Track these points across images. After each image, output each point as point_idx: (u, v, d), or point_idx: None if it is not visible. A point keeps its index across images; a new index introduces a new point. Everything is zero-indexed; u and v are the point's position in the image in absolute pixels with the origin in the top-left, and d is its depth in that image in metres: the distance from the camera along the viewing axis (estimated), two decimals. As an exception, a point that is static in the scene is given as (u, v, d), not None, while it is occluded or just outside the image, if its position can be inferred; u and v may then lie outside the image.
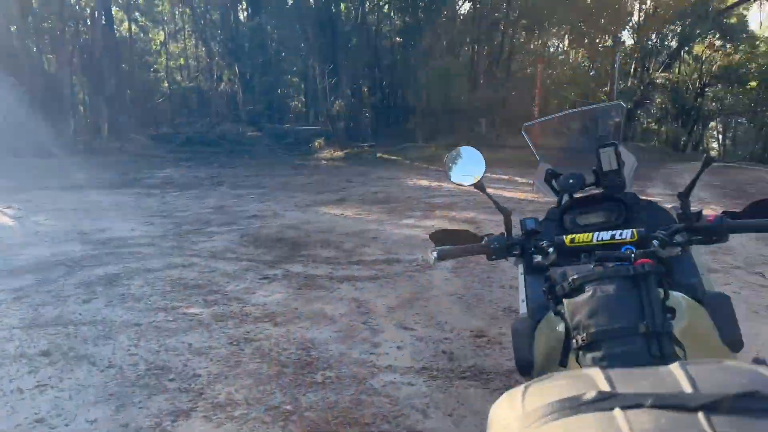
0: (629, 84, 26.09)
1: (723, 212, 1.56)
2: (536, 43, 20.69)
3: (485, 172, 1.80)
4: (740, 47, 32.28)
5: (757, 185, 10.31)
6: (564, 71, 19.29)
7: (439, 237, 1.88)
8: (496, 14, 18.71)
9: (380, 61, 17.89)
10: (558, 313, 1.39)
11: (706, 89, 33.68)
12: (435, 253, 1.68)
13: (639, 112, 29.29)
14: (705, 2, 26.25)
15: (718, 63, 33.04)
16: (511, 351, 3.25)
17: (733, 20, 31.33)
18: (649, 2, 26.05)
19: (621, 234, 1.65)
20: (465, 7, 17.39)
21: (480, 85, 15.44)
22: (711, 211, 1.56)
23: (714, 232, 1.50)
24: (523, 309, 1.82)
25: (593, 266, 1.34)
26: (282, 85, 23.24)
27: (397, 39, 19.66)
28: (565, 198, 2.02)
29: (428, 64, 14.46)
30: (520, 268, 1.87)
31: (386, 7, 19.65)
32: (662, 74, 28.43)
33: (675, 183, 9.98)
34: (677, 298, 1.40)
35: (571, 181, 1.92)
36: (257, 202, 8.42)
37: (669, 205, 1.95)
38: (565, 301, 1.32)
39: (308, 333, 3.74)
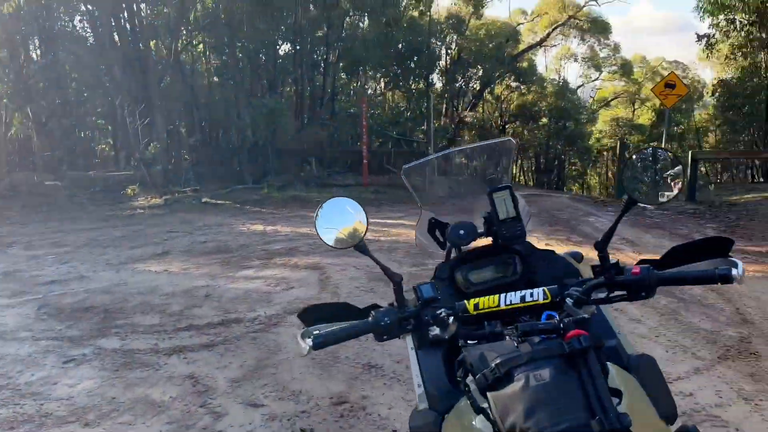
0: (443, 123, 27.95)
1: (641, 260, 1.36)
2: (356, 84, 21.27)
3: (367, 228, 1.41)
4: (532, 88, 36.63)
5: (567, 211, 11.35)
6: (385, 111, 19.99)
7: (311, 315, 1.46)
8: (315, 56, 18.86)
9: (198, 100, 16.94)
10: (479, 410, 1.06)
11: (506, 126, 37.58)
12: (309, 340, 1.26)
13: (425, 142, 31.49)
14: (501, 48, 29.26)
15: (515, 102, 37.12)
16: (381, 419, 2.80)
17: (525, 65, 35.54)
18: (454, 48, 28.38)
19: (531, 295, 1.38)
20: (284, 48, 17.23)
21: (307, 124, 15.27)
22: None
23: (641, 287, 1.27)
24: (421, 397, 1.45)
25: (516, 344, 1.11)
26: (85, 128, 20.99)
27: (215, 78, 18.92)
28: (454, 251, 1.73)
29: (251, 103, 13.97)
30: (410, 342, 1.51)
31: (200, 46, 18.84)
32: (470, 113, 31.03)
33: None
34: (613, 373, 1.15)
35: (461, 232, 1.61)
36: (58, 263, 7.11)
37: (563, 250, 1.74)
38: (490, 395, 1.03)
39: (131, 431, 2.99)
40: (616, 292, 1.31)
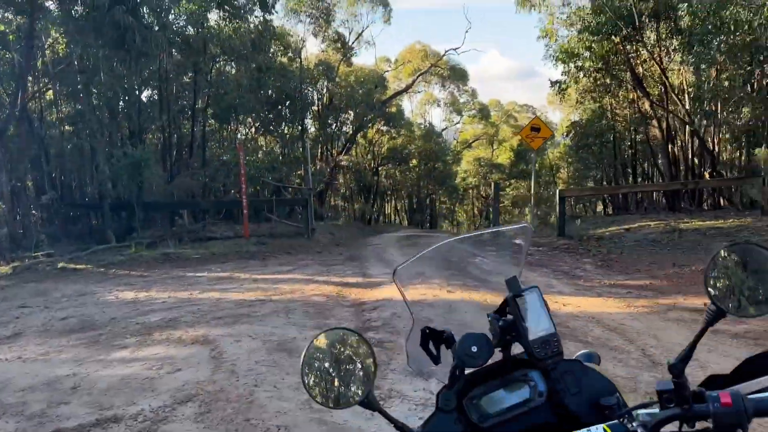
0: (318, 167, 27.80)
1: (710, 377, 1.10)
2: (227, 130, 20.50)
3: (375, 377, 1.02)
4: (401, 132, 37.88)
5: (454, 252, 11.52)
6: (260, 158, 19.41)
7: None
8: (182, 102, 17.93)
9: (48, 153, 15.23)
10: None
11: (379, 168, 38.39)
12: None
13: (329, 191, 31.43)
14: (370, 94, 29.95)
15: (386, 146, 38.10)
16: None
17: (394, 110, 36.75)
18: (326, 93, 28.55)
19: None
20: (147, 94, 16.13)
21: (176, 174, 14.27)
22: None
23: (733, 420, 0.99)
24: None
25: None
26: None
27: (67, 127, 17.24)
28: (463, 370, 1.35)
29: (112, 153, 12.73)
30: None
31: (49, 93, 17.12)
32: (344, 157, 31.26)
33: (387, 260, 10.39)
34: None
35: (473, 348, 1.22)
36: None
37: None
38: None
39: None
40: (697, 426, 1.02)
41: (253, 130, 26.39)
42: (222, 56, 16.65)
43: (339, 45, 27.78)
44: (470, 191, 54.49)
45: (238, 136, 22.91)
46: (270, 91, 24.35)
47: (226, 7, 14.31)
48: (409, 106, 47.14)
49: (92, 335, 6.00)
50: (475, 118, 50.30)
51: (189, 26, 15.52)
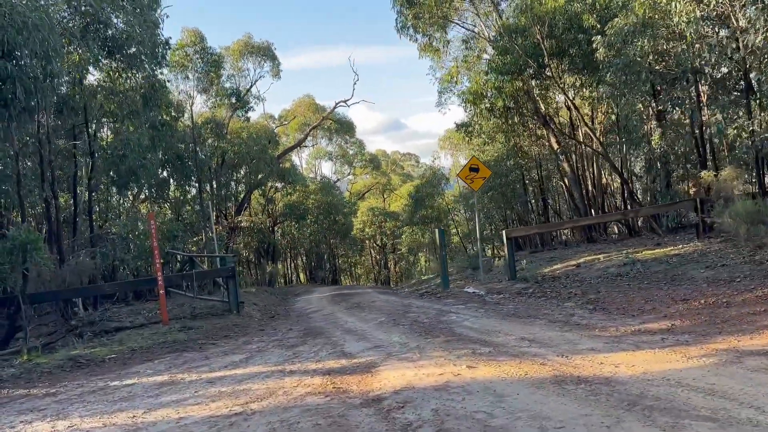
0: (216, 230, 25.54)
1: None
2: (125, 198, 17.98)
3: None
4: (296, 187, 36.39)
5: (405, 308, 10.25)
6: (159, 225, 17.05)
7: None
8: (69, 169, 15.39)
9: None
10: None
11: (276, 226, 36.46)
12: None
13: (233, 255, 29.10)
14: (264, 150, 28.36)
15: (282, 202, 36.38)
16: None
17: (287, 165, 35.30)
18: (218, 151, 26.58)
19: None
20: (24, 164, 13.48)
21: (67, 256, 11.78)
22: None
23: None
24: None
25: None
26: None
27: None
28: None
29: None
30: None
31: None
32: (244, 217, 29.17)
33: (352, 329, 8.86)
34: None
35: None
36: None
37: None
38: None
39: None
40: None
41: (142, 196, 23.78)
42: (111, 115, 14.46)
43: (230, 100, 26.07)
44: (367, 242, 53.89)
45: (132, 204, 20.38)
46: (160, 153, 22.13)
47: (117, 56, 12.35)
48: (297, 161, 45.99)
49: None
50: (366, 169, 50.15)
51: (70, 82, 13.32)
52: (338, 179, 47.66)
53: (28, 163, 13.11)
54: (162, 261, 18.42)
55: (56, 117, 13.91)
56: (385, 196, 56.45)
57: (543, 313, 8.70)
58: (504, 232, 12.29)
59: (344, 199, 43.71)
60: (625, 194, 17.33)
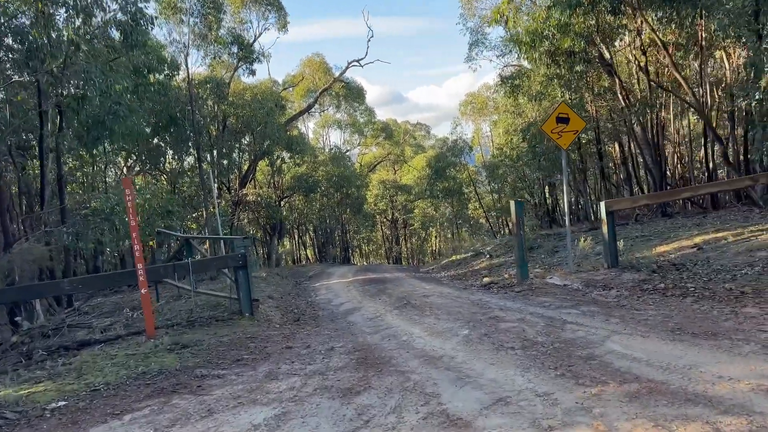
0: (220, 204, 22.49)
1: None
2: (97, 166, 14.84)
3: None
4: (305, 158, 33.15)
5: (471, 310, 7.23)
6: (149, 199, 14.01)
7: None
8: (24, 133, 12.27)
9: None
10: None
11: (282, 201, 33.29)
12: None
13: (244, 238, 26.23)
14: (271, 115, 25.11)
15: (290, 173, 33.17)
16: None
17: (295, 132, 31.98)
18: (219, 115, 23.33)
19: None
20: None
21: (21, 238, 8.70)
22: None
23: None
24: None
25: None
26: None
27: None
28: None
29: None
30: None
31: None
32: (249, 190, 26.03)
33: (428, 353, 5.85)
34: None
35: None
36: None
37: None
38: None
39: None
40: None
41: (128, 163, 20.69)
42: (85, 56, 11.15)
43: (231, 52, 22.58)
44: (377, 217, 50.68)
45: (126, 175, 17.33)
46: (147, 107, 18.91)
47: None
48: (305, 130, 42.57)
49: None
50: (377, 138, 46.68)
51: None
52: (348, 149, 44.27)
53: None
54: (154, 243, 15.37)
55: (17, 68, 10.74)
56: (396, 169, 53.09)
57: (723, 327, 5.62)
58: (603, 204, 9.15)
59: (356, 171, 40.41)
60: (714, 157, 14.13)
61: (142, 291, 7.28)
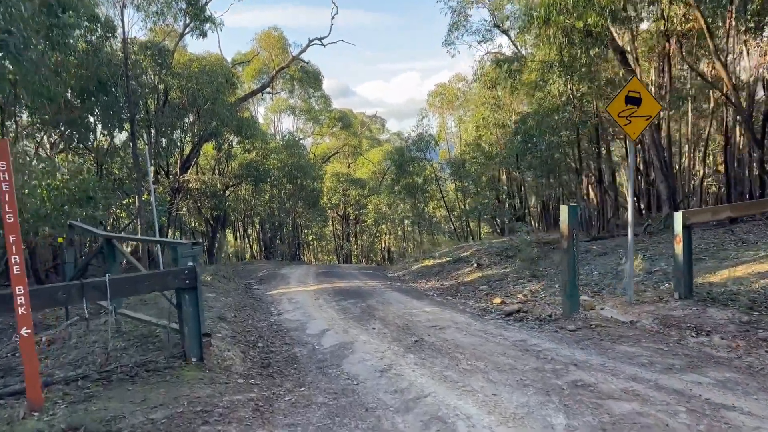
0: (157, 191, 19.22)
1: None
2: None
3: None
4: (255, 144, 29.96)
5: (452, 328, 4.86)
6: (64, 180, 10.89)
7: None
8: None
9: None
10: None
11: (228, 190, 29.99)
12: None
13: (192, 243, 23.02)
14: (220, 91, 21.96)
15: (238, 160, 29.91)
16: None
17: (246, 114, 28.77)
18: (160, 86, 20.02)
19: None
20: None
21: None
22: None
23: None
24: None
25: None
26: None
27: None
28: None
29: None
30: None
31: None
32: (192, 176, 22.70)
33: None
34: None
35: None
36: None
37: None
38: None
39: None
40: None
41: (45, 139, 17.24)
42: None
43: (180, 9, 19.30)
44: (329, 212, 47.81)
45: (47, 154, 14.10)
46: (73, 83, 15.63)
47: None
48: (254, 112, 39.17)
49: None
50: (334, 128, 43.75)
51: None
52: (301, 138, 41.14)
53: None
54: (56, 242, 11.94)
55: None
56: (350, 162, 50.31)
57: None
58: (678, 215, 6.90)
59: (312, 161, 37.39)
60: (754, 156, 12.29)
61: (22, 333, 4.41)
